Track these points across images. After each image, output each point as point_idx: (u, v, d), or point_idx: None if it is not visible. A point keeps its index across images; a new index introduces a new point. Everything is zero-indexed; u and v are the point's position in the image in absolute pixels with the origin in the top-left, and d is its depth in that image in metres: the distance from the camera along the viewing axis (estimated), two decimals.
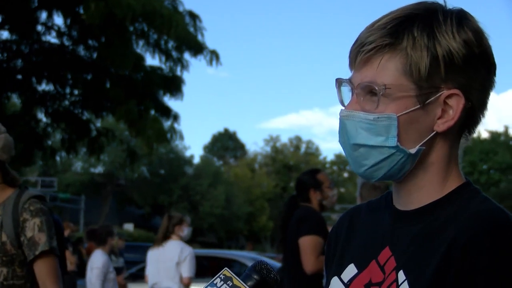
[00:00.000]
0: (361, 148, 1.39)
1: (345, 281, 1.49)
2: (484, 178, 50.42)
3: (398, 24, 1.37)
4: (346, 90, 1.45)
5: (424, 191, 1.42)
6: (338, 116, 1.43)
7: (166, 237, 7.62)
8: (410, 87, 1.36)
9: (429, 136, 1.38)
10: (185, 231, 7.65)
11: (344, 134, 1.41)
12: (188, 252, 7.56)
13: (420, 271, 1.33)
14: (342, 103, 1.45)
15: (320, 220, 5.28)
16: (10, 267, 3.14)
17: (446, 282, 1.29)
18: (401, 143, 1.37)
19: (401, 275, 1.37)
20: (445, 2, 1.41)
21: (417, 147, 1.38)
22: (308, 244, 5.06)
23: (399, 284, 1.36)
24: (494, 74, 1.42)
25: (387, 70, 1.37)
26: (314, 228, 5.10)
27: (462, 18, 1.38)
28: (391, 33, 1.37)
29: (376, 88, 1.36)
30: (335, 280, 1.52)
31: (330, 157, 61.20)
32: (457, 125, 1.40)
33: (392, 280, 1.39)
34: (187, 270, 7.51)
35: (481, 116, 1.43)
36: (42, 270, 3.14)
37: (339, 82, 1.45)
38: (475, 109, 1.40)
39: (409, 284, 1.34)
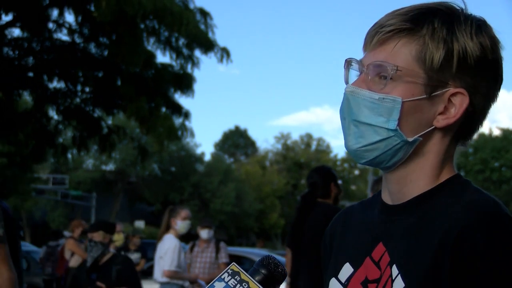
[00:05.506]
0: (360, 125, 1.40)
1: (343, 281, 1.50)
2: (495, 176, 50.24)
3: (420, 13, 1.40)
4: (354, 73, 1.46)
5: (415, 185, 1.42)
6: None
7: (166, 230, 7.74)
8: (420, 75, 1.38)
9: (428, 130, 1.39)
10: (178, 224, 7.67)
11: (346, 109, 1.42)
12: (168, 245, 7.60)
13: (413, 264, 1.34)
14: (347, 83, 1.46)
15: None
16: None
17: (441, 273, 1.29)
18: (399, 129, 1.38)
19: (395, 270, 1.37)
20: (465, 6, 1.43)
21: (415, 136, 1.39)
22: None
23: (394, 278, 1.37)
24: (499, 87, 1.43)
25: (401, 53, 1.39)
26: None
27: (481, 24, 1.41)
28: (412, 19, 1.39)
29: (388, 68, 1.37)
30: (333, 282, 1.52)
31: (341, 154, 61.03)
32: (455, 126, 1.40)
33: (387, 275, 1.39)
34: (167, 263, 7.58)
35: (479, 124, 1.44)
36: None
37: (348, 62, 1.47)
38: (476, 114, 1.41)
39: (402, 277, 1.34)
